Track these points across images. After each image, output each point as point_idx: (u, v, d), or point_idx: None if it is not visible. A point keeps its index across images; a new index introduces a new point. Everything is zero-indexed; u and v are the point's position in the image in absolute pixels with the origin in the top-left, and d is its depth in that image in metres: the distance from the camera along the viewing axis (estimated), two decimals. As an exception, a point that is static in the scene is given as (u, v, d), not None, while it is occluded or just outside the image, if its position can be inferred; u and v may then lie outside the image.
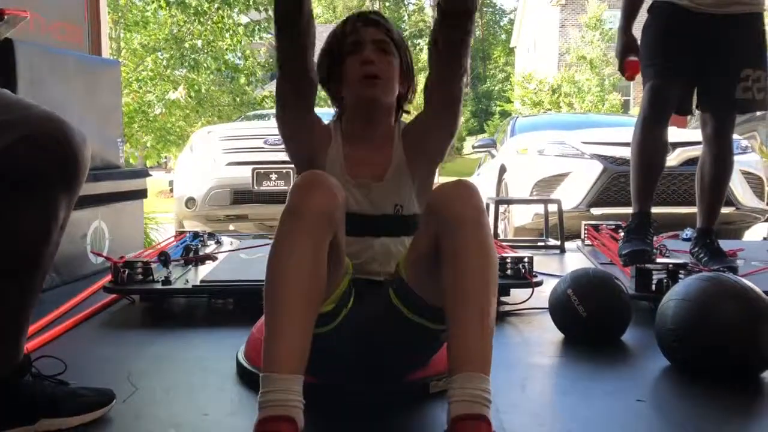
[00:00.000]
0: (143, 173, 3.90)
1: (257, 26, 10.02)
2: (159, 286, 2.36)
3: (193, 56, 9.39)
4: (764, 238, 4.64)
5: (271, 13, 10.06)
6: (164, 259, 2.58)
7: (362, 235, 1.49)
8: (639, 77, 2.72)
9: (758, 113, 3.37)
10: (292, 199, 1.25)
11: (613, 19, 21.76)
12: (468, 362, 1.17)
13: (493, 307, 1.23)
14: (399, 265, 1.40)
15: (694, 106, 2.71)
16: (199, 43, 9.36)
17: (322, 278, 1.23)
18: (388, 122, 1.57)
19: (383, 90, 1.51)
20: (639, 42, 2.70)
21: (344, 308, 1.39)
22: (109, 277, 2.46)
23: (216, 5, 9.39)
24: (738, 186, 4.66)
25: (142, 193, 3.76)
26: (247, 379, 1.60)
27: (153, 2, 9.15)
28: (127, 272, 2.38)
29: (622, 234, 2.69)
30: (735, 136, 2.81)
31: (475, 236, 1.25)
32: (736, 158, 2.83)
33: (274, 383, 1.13)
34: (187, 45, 9.33)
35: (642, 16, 2.76)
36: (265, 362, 1.17)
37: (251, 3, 9.74)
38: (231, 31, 9.51)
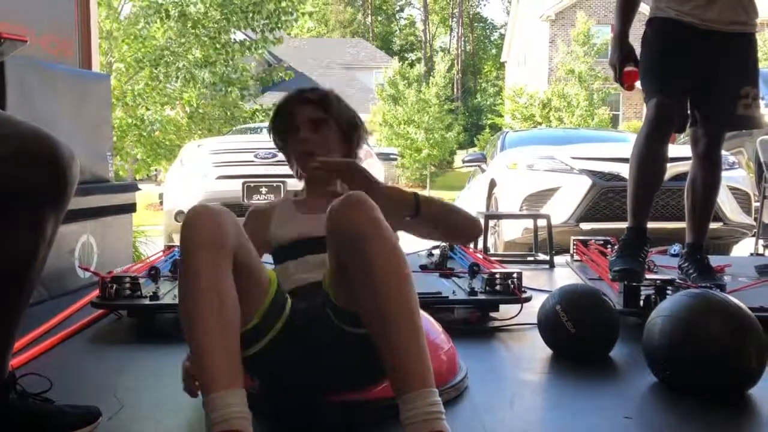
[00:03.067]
0: (132, 187, 3.89)
1: (253, 44, 10.08)
2: (147, 301, 2.35)
3: (189, 71, 9.41)
4: (751, 254, 4.67)
5: (267, 33, 10.16)
6: (153, 274, 2.57)
7: (319, 253, 1.49)
8: (630, 87, 2.67)
9: (743, 130, 3.39)
10: (182, 238, 1.26)
11: (600, 34, 21.99)
12: (410, 382, 1.15)
13: (418, 316, 1.20)
14: (325, 283, 1.37)
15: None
16: (196, 55, 9.40)
17: (232, 302, 1.23)
18: (336, 186, 1.64)
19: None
20: (639, 53, 2.66)
21: (277, 321, 1.36)
22: (96, 292, 2.45)
23: (215, 19, 9.44)
24: (725, 201, 4.69)
25: (131, 207, 3.75)
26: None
27: (154, 14, 9.17)
28: (114, 287, 2.37)
29: (615, 248, 2.67)
30: (723, 152, 2.82)
31: (378, 251, 1.20)
32: (723, 174, 2.84)
33: (215, 402, 1.14)
34: (182, 60, 9.36)
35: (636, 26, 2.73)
36: (203, 389, 1.18)
37: (248, 22, 9.80)
38: (226, 47, 9.57)
